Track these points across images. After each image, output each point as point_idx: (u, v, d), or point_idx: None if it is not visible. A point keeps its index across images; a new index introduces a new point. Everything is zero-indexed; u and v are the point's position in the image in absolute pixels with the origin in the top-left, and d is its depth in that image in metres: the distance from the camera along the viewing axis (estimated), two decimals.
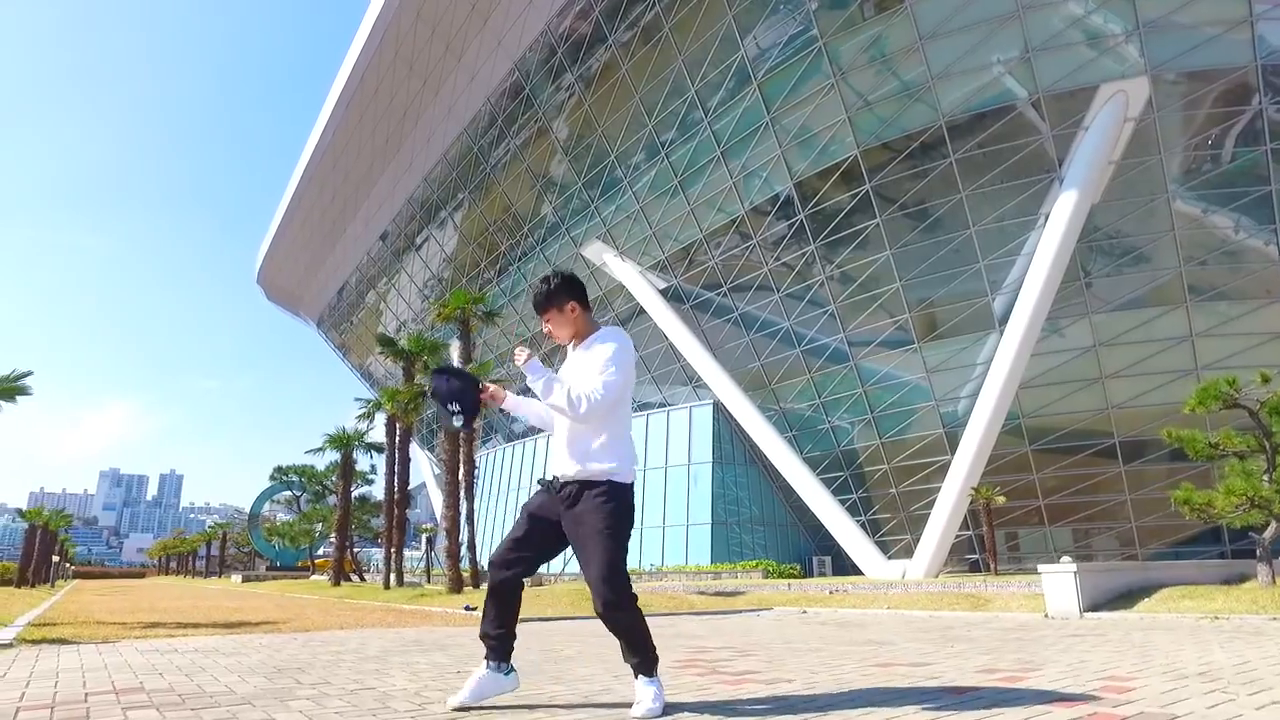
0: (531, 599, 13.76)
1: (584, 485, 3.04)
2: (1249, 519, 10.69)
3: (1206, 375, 17.38)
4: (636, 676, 2.99)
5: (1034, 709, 2.88)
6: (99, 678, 4.15)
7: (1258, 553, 10.66)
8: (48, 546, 36.46)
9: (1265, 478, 10.59)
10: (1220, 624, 7.35)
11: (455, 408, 3.17)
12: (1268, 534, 10.68)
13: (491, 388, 3.23)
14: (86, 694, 3.57)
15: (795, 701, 3.20)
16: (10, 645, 6.10)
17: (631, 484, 3.10)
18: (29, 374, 11.26)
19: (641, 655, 2.99)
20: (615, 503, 3.02)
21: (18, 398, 11.02)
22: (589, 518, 3.00)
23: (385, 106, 38.04)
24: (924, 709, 2.93)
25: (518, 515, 3.17)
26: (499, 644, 3.07)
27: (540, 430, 3.62)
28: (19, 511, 41.56)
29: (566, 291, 3.18)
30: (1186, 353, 21.01)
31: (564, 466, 3.08)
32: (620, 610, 2.94)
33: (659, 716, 2.82)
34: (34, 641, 6.47)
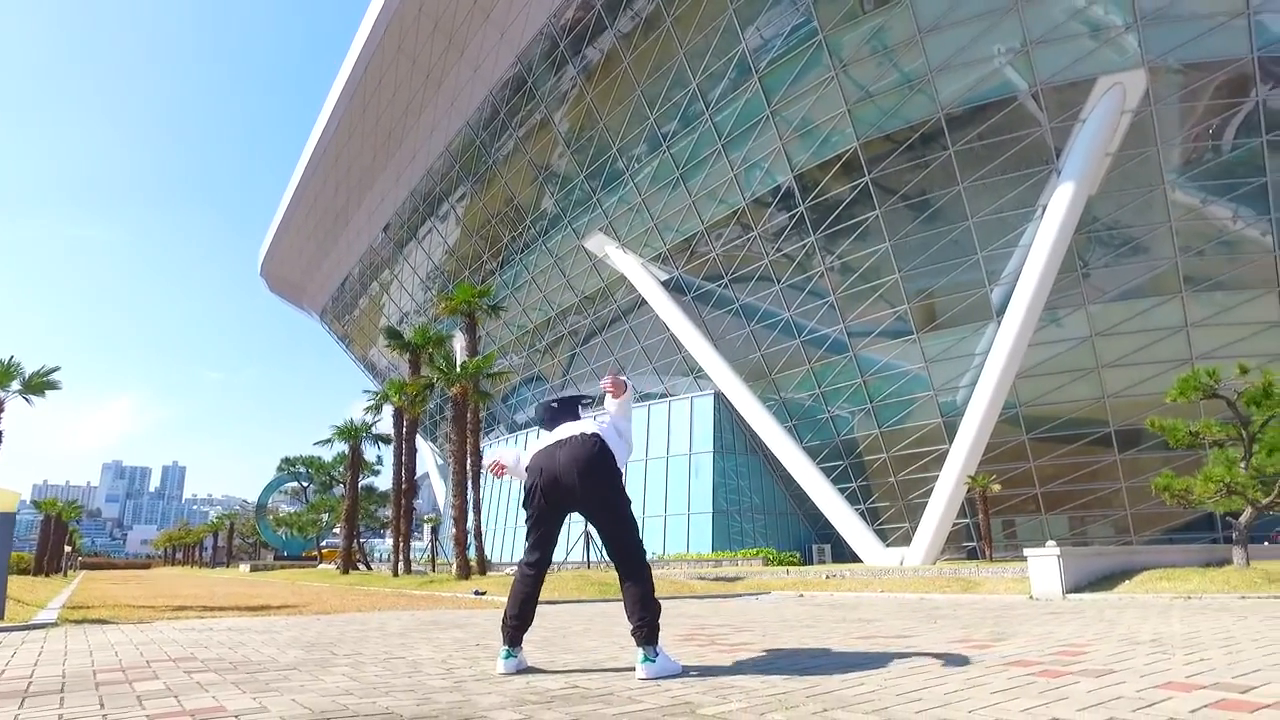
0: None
1: None
2: (1228, 505, 11.06)
3: (1201, 364, 17.66)
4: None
5: (992, 667, 3.26)
6: (151, 650, 4.56)
7: (1234, 537, 11.04)
8: (60, 537, 36.97)
9: (1242, 465, 10.96)
10: (1191, 603, 7.74)
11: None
12: (1243, 519, 11.07)
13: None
14: (148, 661, 3.98)
15: (783, 665, 3.58)
16: (56, 624, 6.52)
17: None
18: (57, 369, 11.68)
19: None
20: None
21: (46, 392, 11.49)
22: None
23: (388, 100, 38.26)
24: (895, 669, 3.32)
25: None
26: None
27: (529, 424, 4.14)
28: (33, 503, 42.07)
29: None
30: (1182, 342, 21.28)
31: None
32: None
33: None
34: (76, 622, 6.89)
